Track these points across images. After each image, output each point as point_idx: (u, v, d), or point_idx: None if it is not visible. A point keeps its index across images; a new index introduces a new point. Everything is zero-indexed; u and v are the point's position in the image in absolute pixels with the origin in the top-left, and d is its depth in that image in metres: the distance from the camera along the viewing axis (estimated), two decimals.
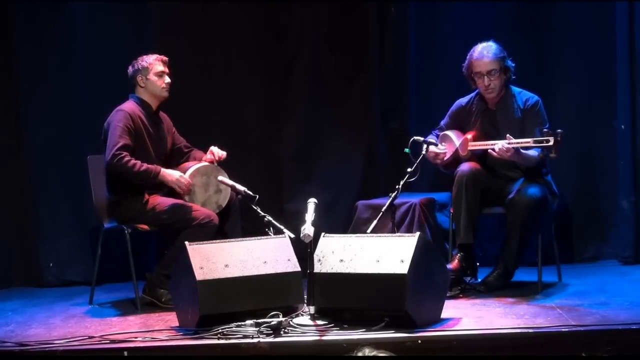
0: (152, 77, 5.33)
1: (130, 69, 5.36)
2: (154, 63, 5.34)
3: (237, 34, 6.36)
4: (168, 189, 5.29)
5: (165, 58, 5.38)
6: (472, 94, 5.46)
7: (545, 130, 4.98)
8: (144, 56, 5.37)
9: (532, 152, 5.15)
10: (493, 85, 5.27)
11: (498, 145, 5.00)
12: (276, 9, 6.36)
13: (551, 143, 4.89)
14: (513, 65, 5.31)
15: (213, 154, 5.38)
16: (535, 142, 4.95)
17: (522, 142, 5.00)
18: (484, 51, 5.28)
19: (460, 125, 5.44)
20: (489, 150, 5.08)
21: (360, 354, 2.53)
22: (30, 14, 6.22)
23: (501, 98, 5.35)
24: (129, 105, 5.30)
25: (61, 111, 6.31)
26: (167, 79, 5.36)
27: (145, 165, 5.14)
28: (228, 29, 6.35)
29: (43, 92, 6.30)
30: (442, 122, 5.52)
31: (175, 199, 5.24)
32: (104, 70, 6.22)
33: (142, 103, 5.35)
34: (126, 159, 5.09)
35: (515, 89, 5.39)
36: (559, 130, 4.91)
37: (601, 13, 6.11)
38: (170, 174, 5.20)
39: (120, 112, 5.23)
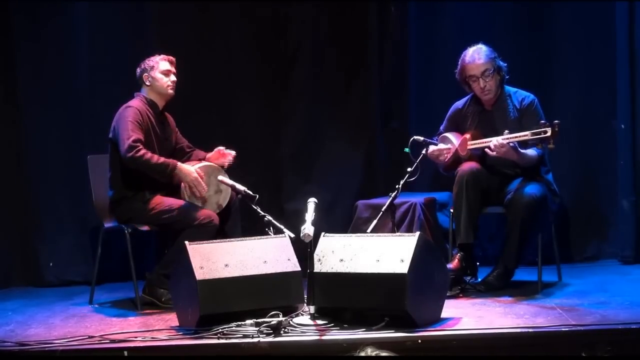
0: (158, 75, 5.34)
1: (137, 70, 5.38)
2: (159, 61, 5.36)
3: (237, 32, 6.37)
4: (168, 189, 5.29)
5: (172, 58, 5.39)
6: (468, 97, 5.47)
7: (542, 122, 4.98)
8: (152, 56, 5.39)
9: (531, 152, 5.16)
10: (489, 86, 5.28)
11: (493, 142, 5.01)
12: (276, 8, 6.36)
13: (548, 134, 4.89)
14: (505, 64, 5.32)
15: (222, 153, 5.38)
16: (532, 134, 4.95)
17: (519, 136, 5.00)
18: (475, 54, 5.29)
19: (458, 128, 5.45)
20: (485, 150, 5.08)
21: (362, 354, 2.53)
22: (30, 12, 6.22)
23: (497, 99, 5.36)
24: (137, 103, 5.32)
25: (61, 110, 6.31)
26: (173, 77, 5.37)
27: (162, 159, 5.16)
28: (228, 28, 6.36)
29: (43, 91, 6.31)
30: (442, 127, 5.53)
31: (175, 199, 5.24)
32: (105, 69, 6.23)
33: (148, 102, 5.36)
34: (142, 151, 5.10)
35: (511, 89, 5.39)
36: (555, 121, 4.91)
37: (601, 13, 6.12)
38: (187, 172, 5.20)
39: (129, 109, 5.24)
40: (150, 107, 5.35)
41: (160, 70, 5.34)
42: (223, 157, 5.41)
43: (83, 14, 6.26)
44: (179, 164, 5.22)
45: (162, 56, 5.39)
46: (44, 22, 6.26)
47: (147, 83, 5.36)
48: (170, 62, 5.38)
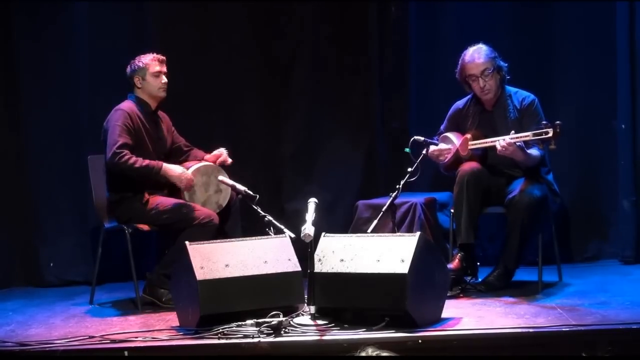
0: (149, 77, 5.32)
1: (128, 70, 5.36)
2: (150, 63, 5.33)
3: (237, 32, 6.36)
4: (168, 189, 5.29)
5: (162, 57, 5.37)
6: (469, 97, 5.47)
7: (543, 122, 4.98)
8: (141, 56, 5.36)
9: (534, 152, 5.15)
10: (489, 86, 5.28)
11: (500, 142, 4.99)
12: (276, 8, 6.36)
13: (550, 135, 4.88)
14: (505, 64, 5.32)
15: (220, 155, 5.37)
16: (534, 134, 4.95)
17: (521, 136, 5.00)
18: (475, 54, 5.29)
19: (458, 128, 5.45)
20: (496, 146, 5.05)
21: (363, 354, 2.53)
22: (30, 12, 6.22)
23: (497, 99, 5.36)
24: (128, 105, 5.31)
25: (61, 110, 6.32)
26: (164, 79, 5.35)
27: (146, 161, 5.14)
28: (228, 27, 6.35)
29: (43, 91, 6.31)
30: (442, 127, 5.53)
31: (175, 199, 5.23)
32: (105, 69, 6.22)
33: (140, 102, 5.35)
34: (127, 156, 5.08)
35: (511, 89, 5.39)
36: (557, 122, 4.90)
37: (601, 13, 6.11)
38: (173, 169, 5.20)
39: (118, 112, 5.23)
40: (142, 108, 5.34)
41: (151, 72, 5.32)
42: (221, 159, 5.39)
43: (84, 14, 6.26)
44: (164, 164, 5.19)
45: (153, 56, 5.36)
46: (44, 23, 6.26)
47: (139, 85, 5.35)
48: (161, 62, 5.36)
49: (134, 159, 5.09)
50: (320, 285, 4.34)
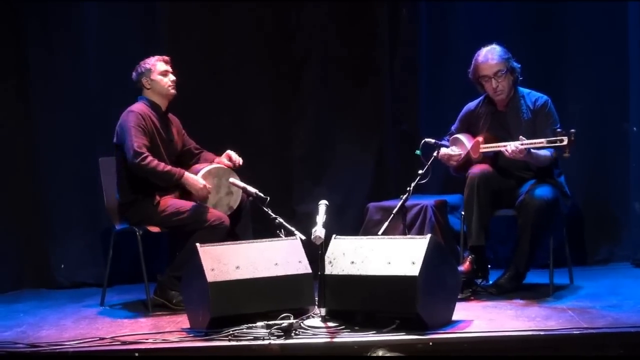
0: (156, 76, 5.34)
1: (134, 74, 5.38)
2: (155, 63, 5.35)
3: (248, 35, 6.37)
4: (180, 191, 5.29)
5: (166, 57, 5.39)
6: (481, 98, 5.46)
7: (558, 130, 4.96)
8: (145, 60, 5.38)
9: (545, 152, 5.13)
10: (501, 87, 5.27)
11: (510, 147, 4.99)
12: (286, 11, 6.36)
13: (565, 143, 4.86)
14: (519, 66, 5.31)
15: (230, 158, 5.37)
16: (548, 142, 4.93)
17: (535, 143, 4.98)
18: (489, 54, 5.28)
19: (470, 129, 5.43)
20: (502, 151, 5.06)
21: (374, 356, 2.54)
22: (41, 16, 6.24)
23: (510, 100, 5.35)
24: (139, 106, 5.32)
25: (73, 113, 6.33)
26: (172, 77, 5.37)
27: (168, 167, 5.15)
28: (238, 31, 6.36)
29: (54, 94, 6.32)
30: (453, 127, 5.53)
31: (186, 201, 5.24)
32: (116, 72, 6.22)
33: (151, 104, 5.36)
34: (149, 158, 5.10)
35: (524, 90, 5.38)
36: (572, 130, 4.89)
37: (613, 13, 6.09)
38: (194, 181, 5.19)
39: (131, 113, 5.25)
40: (153, 109, 5.35)
41: (158, 72, 5.34)
42: (231, 162, 5.39)
43: (94, 16, 6.28)
44: (186, 173, 5.20)
45: (157, 57, 5.38)
46: (55, 28, 6.29)
47: (148, 86, 5.36)
48: (166, 62, 5.38)
49: (156, 162, 5.11)
50: (330, 288, 4.34)
